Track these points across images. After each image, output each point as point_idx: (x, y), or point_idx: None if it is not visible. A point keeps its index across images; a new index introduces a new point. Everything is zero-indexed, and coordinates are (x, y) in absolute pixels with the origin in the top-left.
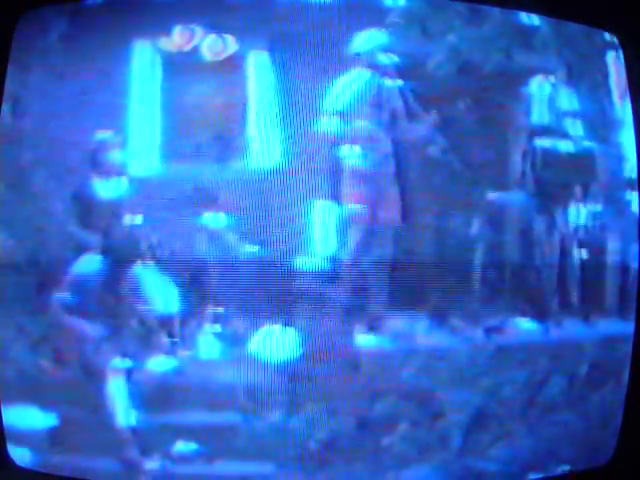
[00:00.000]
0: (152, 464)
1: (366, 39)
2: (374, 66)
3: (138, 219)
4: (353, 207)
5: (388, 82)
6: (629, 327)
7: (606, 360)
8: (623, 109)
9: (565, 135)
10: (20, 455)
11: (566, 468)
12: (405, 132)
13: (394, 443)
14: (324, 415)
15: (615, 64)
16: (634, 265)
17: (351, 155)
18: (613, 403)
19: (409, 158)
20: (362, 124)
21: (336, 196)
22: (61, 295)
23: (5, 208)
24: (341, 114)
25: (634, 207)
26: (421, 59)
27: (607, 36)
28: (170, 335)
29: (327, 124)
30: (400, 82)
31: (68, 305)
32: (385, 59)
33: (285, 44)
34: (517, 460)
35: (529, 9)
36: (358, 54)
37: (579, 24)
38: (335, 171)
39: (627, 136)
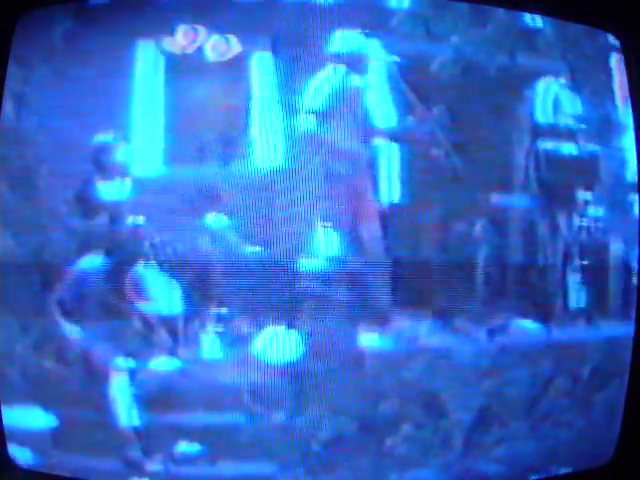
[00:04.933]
0: (155, 465)
1: (370, 41)
2: (377, 67)
3: (141, 219)
4: (356, 208)
5: (392, 84)
6: (632, 329)
7: (609, 362)
8: (626, 112)
9: (569, 137)
10: (21, 456)
11: (567, 470)
12: (408, 133)
13: (397, 444)
14: (327, 416)
15: (619, 67)
16: (636, 267)
17: (354, 156)
18: (616, 404)
19: (412, 159)
20: (365, 125)
21: (339, 197)
22: (64, 295)
23: (8, 208)
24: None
25: (636, 210)
26: (425, 60)
27: (611, 38)
28: (173, 335)
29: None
30: (404, 83)
31: (71, 305)
32: (390, 60)
33: (289, 45)
34: (519, 461)
35: (532, 10)
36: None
37: (582, 25)
38: (338, 172)
39: (630, 139)
